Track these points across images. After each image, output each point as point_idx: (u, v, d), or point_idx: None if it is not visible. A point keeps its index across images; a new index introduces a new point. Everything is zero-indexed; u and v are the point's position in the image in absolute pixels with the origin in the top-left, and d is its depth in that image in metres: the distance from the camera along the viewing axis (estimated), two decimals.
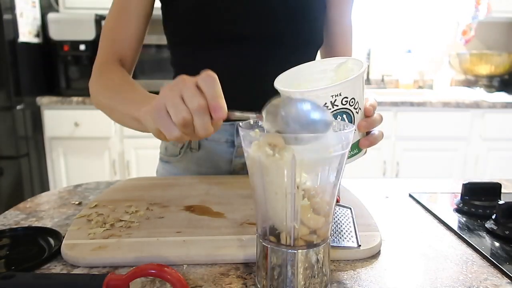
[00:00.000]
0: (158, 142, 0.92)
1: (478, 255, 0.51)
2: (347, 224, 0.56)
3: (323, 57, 0.91)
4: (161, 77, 2.35)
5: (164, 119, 0.44)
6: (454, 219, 0.62)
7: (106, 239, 0.52)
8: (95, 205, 0.63)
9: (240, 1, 0.73)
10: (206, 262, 0.48)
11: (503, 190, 0.66)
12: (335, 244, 0.50)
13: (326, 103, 0.50)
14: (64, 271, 0.47)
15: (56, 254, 0.50)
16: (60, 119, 2.32)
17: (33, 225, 0.59)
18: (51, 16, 2.30)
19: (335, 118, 0.51)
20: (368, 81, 2.86)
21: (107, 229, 0.54)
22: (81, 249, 0.49)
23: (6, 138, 2.21)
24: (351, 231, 0.54)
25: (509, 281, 0.45)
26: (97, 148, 2.37)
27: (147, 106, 0.50)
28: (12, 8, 2.14)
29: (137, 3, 0.74)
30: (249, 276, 0.46)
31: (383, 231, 0.57)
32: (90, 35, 2.29)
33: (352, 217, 0.58)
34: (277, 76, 0.79)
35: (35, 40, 2.34)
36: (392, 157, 2.37)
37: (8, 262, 0.49)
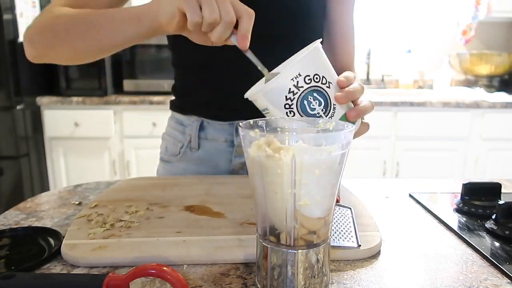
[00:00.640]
0: (158, 142, 0.92)
1: (478, 255, 0.51)
2: (347, 224, 0.56)
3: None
4: (161, 77, 2.35)
5: (195, 6, 0.50)
6: (454, 219, 0.62)
7: (106, 239, 0.52)
8: (95, 205, 0.63)
9: (240, 1, 0.73)
10: (206, 262, 0.48)
11: (503, 190, 0.66)
12: (335, 244, 0.50)
13: (290, 89, 0.50)
14: (64, 271, 0.47)
15: (56, 254, 0.50)
16: (60, 119, 2.33)
17: (33, 225, 0.59)
18: None
19: (307, 99, 0.50)
20: (368, 81, 2.86)
21: (107, 229, 0.54)
22: (81, 249, 0.49)
23: (6, 138, 2.21)
24: (351, 231, 0.54)
25: (509, 281, 0.45)
26: (97, 148, 2.37)
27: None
28: (12, 8, 2.14)
29: None
30: (249, 276, 0.46)
31: (383, 231, 0.57)
32: None
33: (352, 217, 0.58)
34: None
35: None
36: (392, 157, 2.37)
37: (8, 262, 0.49)
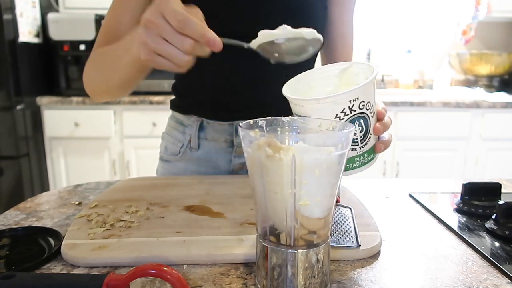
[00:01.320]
0: (158, 142, 0.92)
1: (478, 255, 0.51)
2: (347, 224, 0.56)
3: (322, 59, 0.91)
4: (161, 77, 2.35)
5: (149, 50, 0.49)
6: (454, 219, 0.62)
7: (106, 239, 0.52)
8: (95, 205, 0.63)
9: (240, 1, 0.73)
10: (206, 262, 0.48)
11: (503, 190, 0.66)
12: (335, 244, 0.50)
13: (344, 109, 0.50)
14: (64, 271, 0.47)
15: (56, 254, 0.50)
16: (60, 119, 2.33)
17: (33, 225, 0.59)
18: (51, 16, 2.30)
19: (353, 124, 0.50)
20: None
21: (107, 229, 0.54)
22: (81, 249, 0.49)
23: (6, 138, 2.22)
24: (351, 231, 0.54)
25: (509, 281, 0.45)
26: (97, 148, 2.37)
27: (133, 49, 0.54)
28: (12, 8, 2.14)
29: None
30: (249, 276, 0.46)
31: (383, 231, 0.57)
32: (90, 35, 2.29)
33: (352, 217, 0.58)
34: (276, 76, 0.79)
35: (35, 40, 2.35)
36: (392, 157, 2.37)
37: (8, 262, 0.49)
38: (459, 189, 0.68)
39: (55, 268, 0.47)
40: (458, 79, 2.86)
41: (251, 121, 0.41)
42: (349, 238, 0.52)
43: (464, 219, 0.62)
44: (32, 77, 2.32)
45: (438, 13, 2.80)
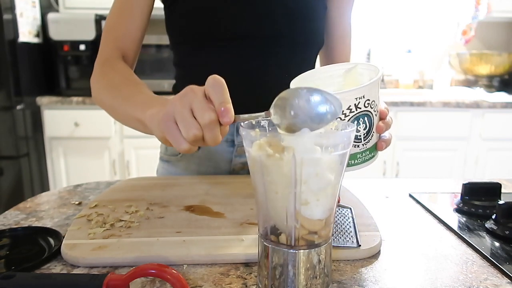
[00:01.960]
0: (158, 142, 0.92)
1: (478, 255, 0.51)
2: (347, 224, 0.56)
3: (321, 58, 0.91)
4: (161, 77, 2.35)
5: (174, 132, 0.43)
6: (454, 219, 0.62)
7: (106, 239, 0.52)
8: (95, 205, 0.63)
9: (241, 1, 0.73)
10: (206, 262, 0.48)
11: (503, 190, 0.66)
12: (335, 244, 0.50)
13: (350, 106, 0.51)
14: (64, 271, 0.47)
15: (56, 254, 0.50)
16: (60, 119, 2.33)
17: (33, 225, 0.59)
18: (51, 16, 2.30)
19: (357, 121, 0.51)
20: None
21: (107, 229, 0.54)
22: (81, 249, 0.49)
23: (6, 138, 2.21)
24: (351, 231, 0.54)
25: (509, 281, 0.45)
26: (97, 148, 2.37)
27: (153, 109, 0.50)
28: (12, 8, 2.14)
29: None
30: (249, 276, 0.46)
31: (383, 231, 0.57)
32: (90, 35, 2.29)
33: (352, 217, 0.58)
34: (277, 75, 0.79)
35: (35, 40, 2.35)
36: (392, 157, 2.37)
37: (8, 262, 0.49)
38: (459, 189, 0.68)
39: (55, 268, 0.47)
40: (458, 79, 2.86)
41: (253, 121, 0.41)
42: (349, 238, 0.52)
43: (464, 219, 0.62)
44: (32, 77, 2.32)
45: (438, 13, 2.79)
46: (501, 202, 0.57)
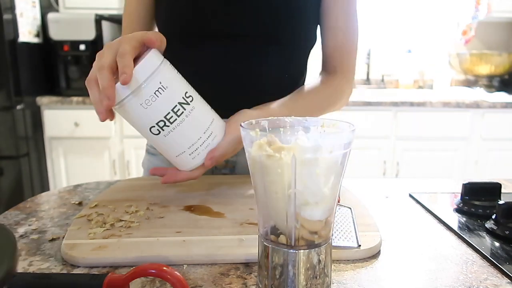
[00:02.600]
0: None
1: (478, 255, 0.51)
2: (347, 224, 0.56)
3: (322, 53, 0.84)
4: None
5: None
6: (454, 219, 0.62)
7: (106, 239, 0.52)
8: (95, 205, 0.63)
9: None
10: (206, 262, 0.48)
11: (503, 190, 0.66)
12: (335, 244, 0.50)
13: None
14: (64, 271, 0.47)
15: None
16: (60, 119, 2.33)
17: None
18: (51, 16, 2.30)
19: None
20: (368, 81, 2.86)
21: (107, 229, 0.54)
22: (81, 249, 0.49)
23: (6, 138, 2.22)
24: (351, 231, 0.54)
25: (509, 281, 0.45)
26: (97, 148, 2.37)
27: None
28: (12, 8, 2.14)
29: (136, 6, 0.78)
30: (249, 276, 0.46)
31: (383, 231, 0.57)
32: (90, 35, 2.29)
33: (352, 217, 0.58)
34: (266, 75, 0.77)
35: (35, 40, 2.35)
36: (392, 157, 2.37)
37: None
38: (459, 189, 0.68)
39: (55, 268, 0.47)
40: (458, 79, 2.86)
41: (253, 121, 0.41)
42: (349, 238, 0.52)
43: (464, 219, 0.62)
44: (32, 77, 2.32)
45: (438, 13, 2.80)
46: (501, 202, 0.57)
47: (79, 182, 0.83)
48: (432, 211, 0.65)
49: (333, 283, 0.44)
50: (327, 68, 0.82)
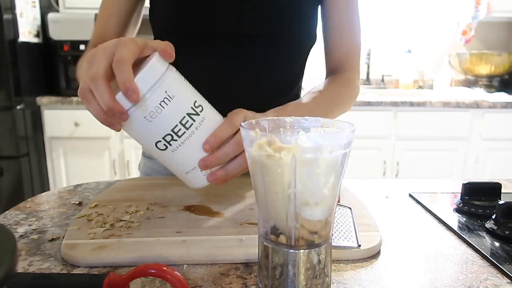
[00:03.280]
0: None
1: (478, 255, 0.51)
2: (347, 224, 0.56)
3: (325, 55, 0.85)
4: None
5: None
6: (454, 219, 0.62)
7: (106, 239, 0.52)
8: (95, 205, 0.63)
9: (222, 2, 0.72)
10: (206, 262, 0.48)
11: (503, 190, 0.66)
12: (335, 244, 0.50)
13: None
14: (64, 271, 0.47)
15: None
16: (60, 119, 2.33)
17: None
18: (51, 16, 2.30)
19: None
20: (368, 81, 2.86)
21: (107, 229, 0.54)
22: (81, 249, 0.49)
23: (6, 138, 2.22)
24: (351, 231, 0.54)
25: (509, 281, 0.45)
26: (97, 148, 2.37)
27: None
28: (12, 8, 2.14)
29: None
30: (249, 276, 0.46)
31: (383, 231, 0.57)
32: (90, 35, 2.29)
33: (352, 217, 0.58)
34: (263, 75, 0.76)
35: (35, 40, 2.35)
36: (392, 157, 2.37)
37: None
38: (459, 189, 0.68)
39: (55, 268, 0.47)
40: (458, 79, 2.86)
41: (253, 121, 0.41)
42: (349, 238, 0.52)
43: (464, 219, 0.62)
44: (32, 77, 2.32)
45: (438, 13, 2.80)
46: (501, 202, 0.57)
47: (79, 182, 0.83)
48: (432, 211, 0.65)
49: (333, 283, 0.44)
50: (332, 68, 0.82)
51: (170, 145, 0.50)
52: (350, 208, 0.61)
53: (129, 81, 0.45)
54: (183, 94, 0.50)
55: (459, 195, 0.67)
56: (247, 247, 0.50)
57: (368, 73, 2.85)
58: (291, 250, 0.38)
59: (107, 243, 0.51)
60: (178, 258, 0.48)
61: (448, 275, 0.46)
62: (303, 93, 0.81)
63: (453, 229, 0.58)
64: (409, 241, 0.55)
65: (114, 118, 0.48)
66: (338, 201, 0.63)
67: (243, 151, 0.54)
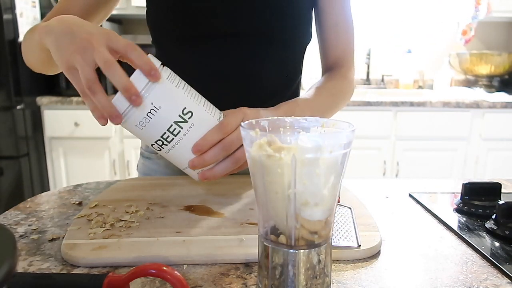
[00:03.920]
0: None
1: (478, 255, 0.51)
2: (347, 224, 0.56)
3: (319, 51, 0.86)
4: None
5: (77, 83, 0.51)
6: (454, 219, 0.62)
7: (106, 239, 0.52)
8: (95, 205, 0.63)
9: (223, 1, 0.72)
10: (206, 262, 0.48)
11: (503, 190, 0.66)
12: (335, 244, 0.50)
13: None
14: (64, 271, 0.47)
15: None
16: (60, 119, 2.33)
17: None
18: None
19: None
20: (368, 81, 2.86)
21: (107, 229, 0.54)
22: (81, 249, 0.49)
23: (6, 138, 2.21)
24: (351, 231, 0.54)
25: (509, 281, 0.45)
26: (97, 148, 2.37)
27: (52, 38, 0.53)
28: (12, 8, 2.14)
29: None
30: (249, 276, 0.46)
31: (383, 231, 0.57)
32: None
33: (352, 217, 0.58)
34: (260, 74, 0.76)
35: None
36: (392, 157, 2.37)
37: None
38: (459, 189, 0.68)
39: (55, 268, 0.47)
40: (458, 79, 2.86)
41: (253, 121, 0.41)
42: (349, 238, 0.52)
43: (464, 219, 0.62)
44: (32, 77, 2.32)
45: (438, 13, 2.80)
46: (501, 202, 0.57)
47: (79, 182, 0.83)
48: (432, 211, 0.65)
49: (333, 283, 0.44)
50: (330, 65, 0.83)
51: (163, 148, 0.55)
52: (350, 208, 0.61)
53: (129, 88, 0.48)
54: (170, 103, 0.52)
55: (459, 195, 0.67)
56: (247, 247, 0.50)
57: (368, 73, 2.85)
58: (291, 250, 0.38)
59: (107, 243, 0.51)
60: (178, 258, 0.48)
61: (448, 275, 0.46)
62: (302, 92, 0.81)
63: (453, 229, 0.58)
64: (409, 241, 0.55)
65: (110, 120, 0.51)
66: (338, 201, 0.63)
67: (232, 154, 0.57)
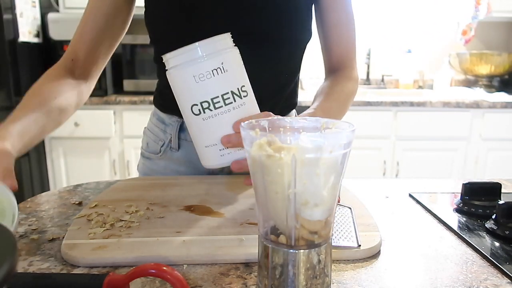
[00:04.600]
0: None
1: (478, 255, 0.51)
2: (347, 224, 0.56)
3: (323, 52, 0.86)
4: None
5: None
6: (454, 219, 0.62)
7: (106, 239, 0.52)
8: (95, 205, 0.63)
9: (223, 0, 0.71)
10: (206, 262, 0.48)
11: (503, 190, 0.66)
12: (335, 244, 0.50)
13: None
14: (64, 271, 0.47)
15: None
16: None
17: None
18: (51, 16, 2.30)
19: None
20: (368, 81, 2.86)
21: (107, 229, 0.54)
22: (81, 249, 0.49)
23: None
24: (351, 231, 0.54)
25: (509, 281, 0.45)
26: (97, 148, 2.37)
27: None
28: (12, 8, 2.14)
29: (96, 2, 0.75)
30: (249, 276, 0.46)
31: (383, 231, 0.57)
32: None
33: (352, 217, 0.58)
34: (258, 73, 0.77)
35: (35, 40, 2.34)
36: (392, 157, 2.37)
37: None
38: (459, 189, 0.68)
39: (55, 268, 0.47)
40: (458, 79, 2.86)
41: (253, 121, 0.41)
42: (349, 238, 0.52)
43: (464, 219, 0.62)
44: (32, 77, 2.32)
45: (438, 13, 2.80)
46: (501, 202, 0.57)
47: (79, 182, 0.83)
48: (432, 211, 0.65)
49: (333, 283, 0.44)
50: (333, 64, 0.84)
51: (204, 112, 0.53)
52: (350, 208, 0.61)
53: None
54: (236, 73, 0.54)
55: (459, 195, 0.67)
56: (247, 247, 0.50)
57: (368, 73, 2.85)
58: (291, 250, 0.38)
59: (107, 243, 0.51)
60: (178, 258, 0.48)
61: (448, 275, 0.46)
62: (302, 92, 0.81)
63: (453, 229, 0.58)
64: (409, 241, 0.55)
65: None
66: (338, 201, 0.63)
67: None
